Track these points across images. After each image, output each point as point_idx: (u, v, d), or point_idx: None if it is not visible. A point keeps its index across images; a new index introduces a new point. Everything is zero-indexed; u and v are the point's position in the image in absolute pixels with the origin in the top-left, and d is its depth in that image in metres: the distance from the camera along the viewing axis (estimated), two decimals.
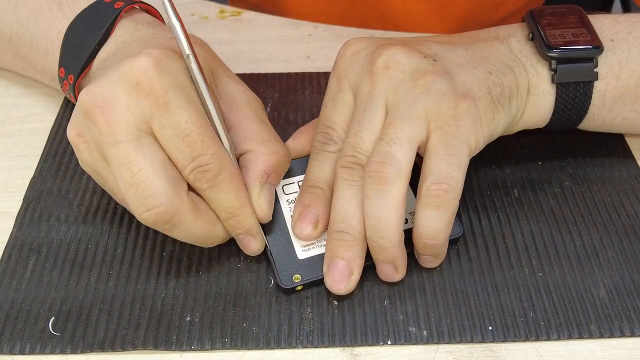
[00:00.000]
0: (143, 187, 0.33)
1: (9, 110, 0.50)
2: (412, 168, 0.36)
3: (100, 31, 0.41)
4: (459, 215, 0.42)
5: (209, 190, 0.35)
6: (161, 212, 0.34)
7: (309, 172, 0.40)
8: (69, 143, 0.46)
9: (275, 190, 0.40)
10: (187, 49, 0.34)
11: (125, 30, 0.42)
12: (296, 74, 0.52)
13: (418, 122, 0.36)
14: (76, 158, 0.45)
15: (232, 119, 0.38)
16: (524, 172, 0.45)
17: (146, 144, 0.34)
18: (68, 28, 0.43)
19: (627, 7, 0.73)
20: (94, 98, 0.34)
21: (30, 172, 0.45)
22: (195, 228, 0.36)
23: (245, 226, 0.37)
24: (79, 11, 0.43)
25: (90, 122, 0.34)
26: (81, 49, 0.42)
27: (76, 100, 0.43)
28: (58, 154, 0.46)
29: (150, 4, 0.45)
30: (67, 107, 0.50)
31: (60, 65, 0.43)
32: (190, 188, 0.36)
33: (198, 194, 0.36)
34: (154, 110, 0.34)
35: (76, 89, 0.43)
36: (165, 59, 0.35)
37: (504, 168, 0.45)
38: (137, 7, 0.44)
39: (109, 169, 0.35)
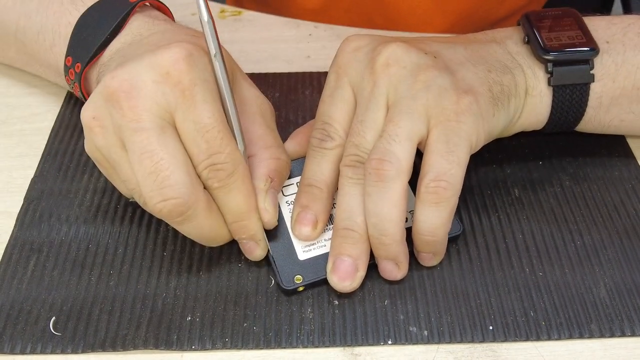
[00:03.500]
0: (162, 177, 0.33)
1: (10, 110, 0.50)
2: (412, 164, 0.36)
3: (113, 22, 0.42)
4: (459, 213, 0.42)
5: (220, 189, 0.35)
6: (177, 204, 0.34)
7: (306, 170, 0.39)
8: (69, 143, 0.47)
9: None
10: (215, 48, 0.34)
11: (141, 24, 0.42)
12: (296, 73, 0.52)
13: (418, 118, 0.36)
14: (76, 158, 0.46)
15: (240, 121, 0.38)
16: (524, 171, 0.45)
17: (169, 134, 0.34)
18: (79, 19, 0.43)
19: (627, 6, 0.73)
20: (120, 83, 0.34)
21: (32, 172, 0.45)
22: (205, 225, 0.36)
23: (250, 232, 0.37)
24: (91, 4, 0.43)
25: (113, 106, 0.34)
26: (92, 38, 0.42)
27: (80, 90, 0.44)
28: (59, 153, 0.46)
29: (164, 2, 0.46)
30: (68, 107, 0.50)
31: (67, 55, 0.43)
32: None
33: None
34: (179, 102, 0.34)
35: (82, 79, 0.43)
36: (196, 53, 0.35)
37: (504, 168, 0.45)
38: (148, 4, 0.44)
39: (124, 155, 0.35)
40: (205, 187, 0.36)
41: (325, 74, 0.41)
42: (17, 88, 0.52)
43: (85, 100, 0.43)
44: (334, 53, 0.41)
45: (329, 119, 0.39)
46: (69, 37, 0.43)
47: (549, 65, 0.40)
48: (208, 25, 0.34)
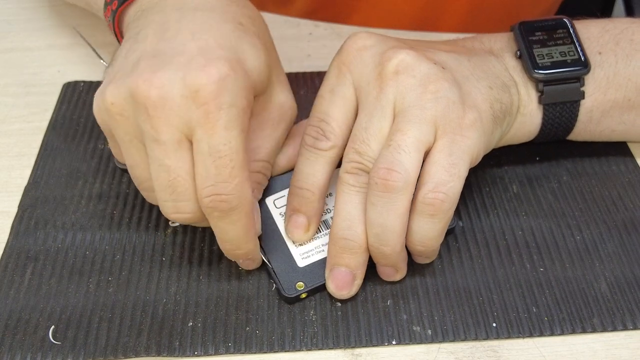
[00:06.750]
0: (178, 193, 0.34)
1: (8, 109, 0.49)
2: (418, 175, 0.35)
3: None
4: (457, 211, 0.42)
5: (220, 219, 0.35)
6: (190, 219, 0.35)
7: (298, 171, 0.39)
8: (62, 149, 0.46)
9: (267, 205, 0.40)
10: None
11: None
12: (290, 74, 0.52)
13: (427, 128, 0.35)
14: (69, 164, 0.45)
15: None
16: (522, 168, 0.45)
17: (185, 149, 0.34)
18: None
19: (630, 7, 0.72)
20: (149, 90, 0.33)
21: (30, 172, 0.44)
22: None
23: (247, 255, 0.37)
24: None
25: (138, 109, 0.34)
26: None
27: (114, 30, 0.42)
28: (50, 159, 0.45)
29: None
30: (61, 109, 0.49)
31: None
32: None
33: None
34: (200, 122, 0.33)
35: (116, 19, 0.41)
36: (233, 75, 0.34)
37: (502, 164, 0.45)
38: None
39: (141, 148, 0.35)
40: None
41: (323, 73, 0.40)
42: (15, 87, 0.51)
43: (119, 41, 0.42)
44: (334, 52, 0.40)
45: (326, 117, 0.38)
46: None
47: (540, 84, 0.40)
48: None
